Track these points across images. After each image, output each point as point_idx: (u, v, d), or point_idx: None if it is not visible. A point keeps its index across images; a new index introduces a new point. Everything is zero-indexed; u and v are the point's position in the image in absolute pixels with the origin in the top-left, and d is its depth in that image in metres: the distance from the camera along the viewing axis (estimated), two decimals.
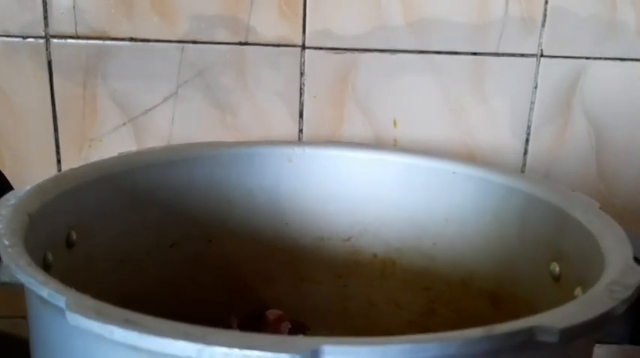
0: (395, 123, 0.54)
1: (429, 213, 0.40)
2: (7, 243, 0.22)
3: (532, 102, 0.54)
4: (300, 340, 0.16)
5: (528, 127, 0.55)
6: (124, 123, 0.52)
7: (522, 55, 0.53)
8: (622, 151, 0.55)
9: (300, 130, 0.53)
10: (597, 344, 0.27)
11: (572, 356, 0.21)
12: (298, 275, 0.43)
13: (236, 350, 0.16)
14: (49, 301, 0.19)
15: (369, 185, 0.41)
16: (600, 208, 0.30)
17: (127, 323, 0.17)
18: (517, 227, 0.35)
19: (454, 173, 0.39)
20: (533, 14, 0.52)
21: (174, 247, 0.39)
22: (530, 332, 0.18)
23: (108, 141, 0.52)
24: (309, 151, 0.42)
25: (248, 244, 0.42)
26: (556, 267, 0.32)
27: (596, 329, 0.20)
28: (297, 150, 0.41)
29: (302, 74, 0.52)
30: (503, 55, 0.53)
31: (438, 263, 0.40)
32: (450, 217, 0.39)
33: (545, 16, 0.52)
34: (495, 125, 0.54)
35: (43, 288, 0.19)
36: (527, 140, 0.55)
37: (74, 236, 0.31)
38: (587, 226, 0.29)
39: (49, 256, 0.28)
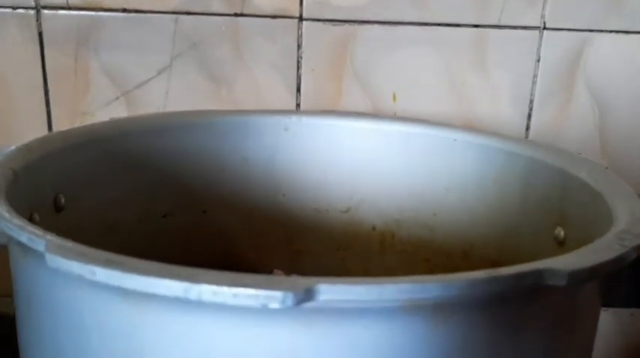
0: (394, 97, 0.53)
1: (429, 182, 0.39)
2: None
3: (534, 76, 0.53)
4: (294, 279, 0.15)
5: (530, 101, 0.53)
6: (117, 97, 0.51)
7: (525, 28, 0.52)
8: (625, 126, 0.54)
9: (298, 104, 0.52)
10: (604, 308, 0.26)
11: (579, 306, 0.20)
12: (295, 248, 0.42)
13: (225, 288, 0.15)
14: (30, 246, 0.18)
15: (368, 155, 0.40)
16: (607, 168, 0.29)
17: (109, 263, 0.16)
18: (520, 192, 0.34)
19: (455, 140, 0.38)
20: None
21: (167, 217, 0.38)
22: (537, 274, 0.17)
23: (101, 116, 0.51)
24: (305, 120, 0.41)
25: (244, 215, 0.41)
26: (560, 232, 0.31)
27: (604, 275, 0.19)
28: (294, 119, 0.40)
29: (299, 46, 0.51)
30: (505, 27, 0.51)
31: (437, 234, 0.39)
32: (450, 186, 0.38)
33: None
34: (497, 99, 0.53)
35: (22, 233, 0.18)
36: (529, 115, 0.54)
37: (63, 200, 0.30)
38: (593, 186, 0.28)
39: (36, 217, 0.27)
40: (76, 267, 0.16)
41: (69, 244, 0.17)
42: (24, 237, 0.18)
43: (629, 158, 0.54)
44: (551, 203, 0.31)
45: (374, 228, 0.41)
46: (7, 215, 0.19)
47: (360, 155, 0.40)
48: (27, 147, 0.28)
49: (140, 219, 0.36)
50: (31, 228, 0.18)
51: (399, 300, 0.16)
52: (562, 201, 0.30)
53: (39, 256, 0.18)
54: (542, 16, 0.51)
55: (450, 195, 0.38)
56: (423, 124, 0.39)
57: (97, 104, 0.51)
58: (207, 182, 0.39)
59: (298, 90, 0.52)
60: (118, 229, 0.35)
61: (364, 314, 0.16)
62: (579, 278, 0.17)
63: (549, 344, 0.20)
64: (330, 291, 0.15)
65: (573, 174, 0.29)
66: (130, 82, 0.51)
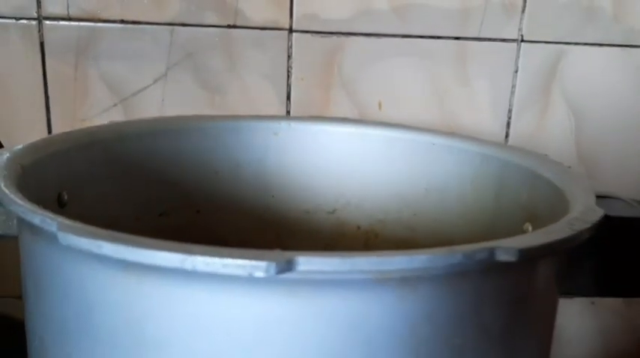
0: (380, 106, 0.55)
1: (410, 184, 0.41)
2: (2, 183, 0.23)
3: (513, 86, 0.56)
4: (276, 252, 0.18)
5: (509, 111, 0.56)
6: (115, 104, 0.53)
7: (503, 40, 0.54)
8: (600, 133, 0.57)
9: (288, 112, 0.55)
10: (567, 296, 0.28)
11: (535, 287, 0.22)
12: (285, 248, 0.44)
13: (216, 259, 0.17)
14: (42, 228, 0.20)
15: (353, 158, 0.43)
16: (569, 167, 0.31)
17: (114, 238, 0.18)
18: (494, 192, 0.36)
19: (434, 144, 0.40)
20: (513, 0, 0.53)
21: (163, 216, 0.40)
22: (490, 250, 0.19)
23: (99, 122, 0.53)
24: (294, 125, 0.43)
25: (236, 216, 0.43)
26: (529, 227, 0.33)
27: (554, 254, 0.21)
28: (283, 124, 0.43)
29: (289, 57, 0.53)
30: (484, 39, 0.54)
31: (418, 233, 0.41)
32: (430, 187, 0.40)
33: (525, 1, 0.53)
34: (477, 108, 0.56)
35: (35, 216, 0.20)
36: (508, 123, 0.56)
37: (65, 196, 0.32)
38: (557, 184, 0.30)
39: None
40: (84, 243, 0.18)
41: (78, 224, 0.19)
42: (37, 219, 0.20)
43: (603, 163, 0.57)
44: (521, 201, 0.34)
45: (359, 228, 0.43)
46: (20, 201, 0.21)
47: (346, 158, 0.43)
48: (33, 146, 0.30)
49: (137, 218, 0.38)
50: (43, 211, 0.20)
51: (369, 272, 0.18)
52: (531, 198, 0.33)
53: (50, 237, 0.20)
54: (520, 29, 0.54)
55: (429, 195, 0.40)
56: (404, 129, 0.41)
57: (95, 111, 0.53)
58: (201, 183, 0.41)
59: (288, 98, 0.54)
60: (116, 226, 0.36)
61: (340, 286, 0.19)
62: (528, 255, 0.19)
63: (508, 322, 0.22)
64: (308, 263, 0.17)
65: (540, 174, 0.32)
66: (127, 89, 0.53)
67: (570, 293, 0.28)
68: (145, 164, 0.38)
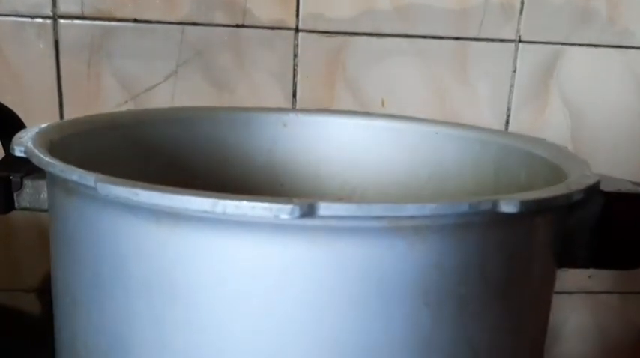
0: (383, 103, 0.57)
1: (414, 172, 0.43)
2: (36, 150, 0.25)
3: (511, 85, 0.58)
4: (300, 199, 0.19)
5: (508, 109, 0.58)
6: (127, 101, 0.55)
7: (502, 41, 0.56)
8: (596, 131, 0.58)
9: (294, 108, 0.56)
10: (564, 268, 0.30)
11: (534, 247, 0.24)
12: None
13: (245, 203, 0.19)
14: (80, 183, 0.22)
15: (358, 148, 0.44)
16: (565, 147, 0.33)
17: (150, 187, 0.20)
18: (493, 174, 0.38)
19: (436, 133, 0.42)
20: (511, 1, 0.55)
21: None
22: (493, 202, 0.21)
23: None
24: (302, 117, 0.45)
25: None
26: None
27: (551, 211, 0.23)
28: (292, 116, 0.44)
29: (295, 55, 0.55)
30: (484, 40, 0.56)
31: None
32: (432, 174, 0.42)
33: (522, 3, 0.56)
34: (477, 106, 0.58)
35: (73, 173, 0.22)
36: (507, 121, 0.58)
37: None
38: (553, 161, 0.32)
39: None
40: (122, 191, 0.20)
41: (114, 177, 0.21)
42: (75, 176, 0.22)
43: (598, 159, 0.59)
44: (520, 181, 0.35)
45: None
46: (57, 162, 0.23)
47: (352, 148, 0.44)
48: (59, 125, 0.32)
49: None
50: (79, 169, 0.22)
51: (383, 218, 0.20)
52: (529, 177, 0.34)
53: (86, 193, 0.22)
54: (518, 30, 0.56)
55: (431, 182, 0.42)
56: (407, 120, 0.43)
57: (107, 107, 0.55)
58: (213, 171, 0.43)
59: (294, 95, 0.56)
60: None
61: (356, 234, 0.20)
62: (529, 207, 0.21)
63: (508, 275, 0.23)
64: (328, 208, 0.19)
65: (537, 154, 0.34)
66: (138, 86, 0.55)
67: (565, 265, 0.29)
68: (161, 150, 0.40)
